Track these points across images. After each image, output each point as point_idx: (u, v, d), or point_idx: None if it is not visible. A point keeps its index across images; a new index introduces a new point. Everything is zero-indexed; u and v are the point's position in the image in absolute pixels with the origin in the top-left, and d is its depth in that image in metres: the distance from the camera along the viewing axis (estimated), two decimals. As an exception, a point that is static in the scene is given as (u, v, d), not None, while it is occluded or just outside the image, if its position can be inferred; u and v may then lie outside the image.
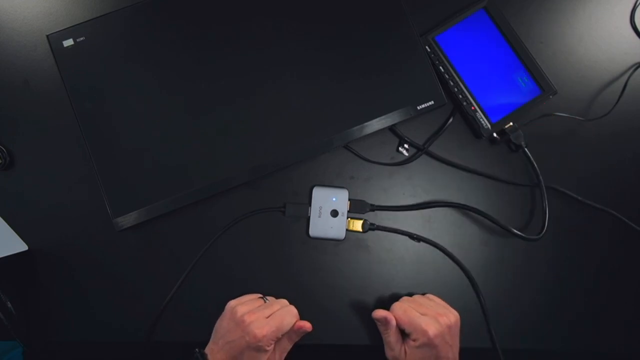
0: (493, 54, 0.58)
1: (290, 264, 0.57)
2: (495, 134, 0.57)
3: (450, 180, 0.59)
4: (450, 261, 0.57)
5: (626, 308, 0.58)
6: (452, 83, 0.57)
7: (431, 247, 0.58)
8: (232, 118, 0.55)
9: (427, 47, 0.58)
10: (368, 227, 0.57)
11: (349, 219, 0.57)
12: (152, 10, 0.56)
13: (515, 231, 0.55)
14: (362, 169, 0.59)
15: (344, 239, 0.57)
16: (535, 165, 0.56)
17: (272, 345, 0.48)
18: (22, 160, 0.57)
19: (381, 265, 0.57)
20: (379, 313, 0.51)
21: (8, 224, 0.56)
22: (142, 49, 0.55)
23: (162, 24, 0.56)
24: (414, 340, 0.48)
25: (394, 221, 0.58)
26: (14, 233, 0.56)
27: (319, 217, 0.57)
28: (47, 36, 0.54)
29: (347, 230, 0.57)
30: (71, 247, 0.57)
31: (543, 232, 0.54)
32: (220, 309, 0.51)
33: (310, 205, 0.57)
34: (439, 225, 0.58)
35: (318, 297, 0.56)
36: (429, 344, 0.47)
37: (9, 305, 0.54)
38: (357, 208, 0.57)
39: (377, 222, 0.57)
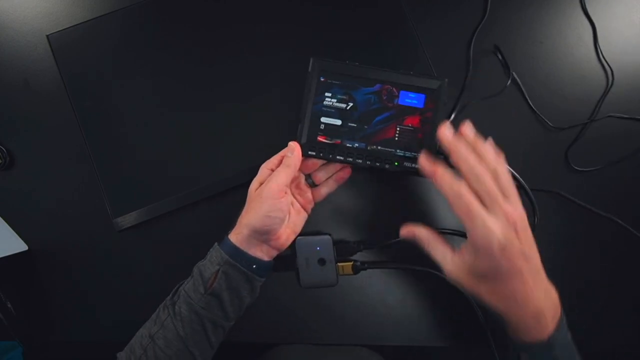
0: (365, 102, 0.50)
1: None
2: None
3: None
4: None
5: (627, 308, 0.58)
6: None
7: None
8: (232, 118, 0.55)
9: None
10: (359, 269, 0.54)
11: (338, 263, 0.54)
12: (152, 10, 0.56)
13: None
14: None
15: (337, 284, 0.54)
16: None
17: (287, 196, 0.49)
18: (22, 160, 0.57)
19: (381, 270, 0.57)
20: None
21: (8, 224, 0.56)
22: (142, 49, 0.55)
23: (162, 24, 0.56)
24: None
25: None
26: (14, 233, 0.56)
27: (307, 268, 0.53)
28: (47, 36, 0.54)
29: (338, 275, 0.54)
30: (71, 247, 0.57)
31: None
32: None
33: (296, 257, 0.54)
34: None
35: (318, 297, 0.56)
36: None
37: (9, 305, 0.54)
38: (343, 251, 0.54)
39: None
